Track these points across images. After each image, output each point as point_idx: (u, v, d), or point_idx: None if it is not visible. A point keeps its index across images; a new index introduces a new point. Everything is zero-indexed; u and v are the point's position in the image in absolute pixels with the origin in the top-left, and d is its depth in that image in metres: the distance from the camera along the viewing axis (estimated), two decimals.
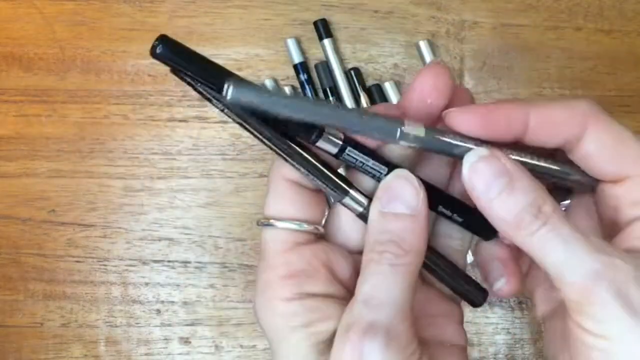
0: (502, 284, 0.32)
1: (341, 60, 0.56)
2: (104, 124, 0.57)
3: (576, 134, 0.28)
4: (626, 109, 0.57)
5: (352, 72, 0.56)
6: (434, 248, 0.31)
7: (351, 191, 0.29)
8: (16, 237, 0.57)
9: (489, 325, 0.56)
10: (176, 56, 0.26)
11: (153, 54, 0.25)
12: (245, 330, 0.56)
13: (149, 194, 0.57)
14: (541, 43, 0.57)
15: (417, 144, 0.28)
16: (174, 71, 0.27)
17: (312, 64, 0.56)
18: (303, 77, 0.56)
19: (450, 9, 0.57)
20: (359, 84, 0.56)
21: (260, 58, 0.57)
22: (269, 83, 0.56)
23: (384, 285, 0.27)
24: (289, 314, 0.28)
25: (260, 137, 0.28)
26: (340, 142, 0.28)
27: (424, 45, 0.56)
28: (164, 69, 0.62)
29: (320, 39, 0.56)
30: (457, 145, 0.28)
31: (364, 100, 0.56)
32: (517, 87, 0.57)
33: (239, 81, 0.26)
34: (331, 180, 0.29)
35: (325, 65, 0.56)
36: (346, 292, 0.30)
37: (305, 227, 0.29)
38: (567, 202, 0.33)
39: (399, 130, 0.28)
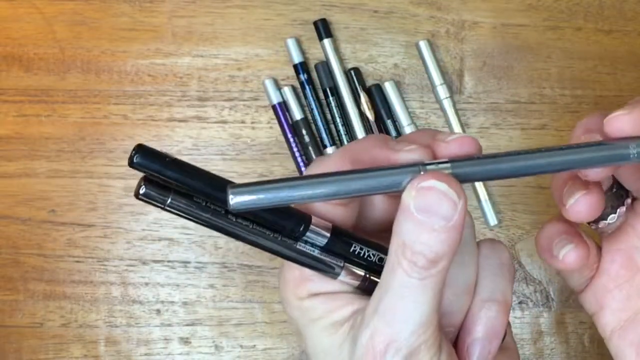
0: (570, 248, 0.31)
1: (341, 60, 0.56)
2: (104, 124, 0.57)
3: None
4: None
5: (352, 72, 0.56)
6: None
7: (343, 271, 0.29)
8: (16, 237, 0.57)
9: None
10: (155, 163, 0.26)
11: (130, 164, 0.25)
12: (245, 330, 0.57)
13: None
14: (541, 43, 0.57)
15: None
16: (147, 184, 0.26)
17: (312, 64, 0.56)
18: (303, 77, 0.56)
19: (450, 9, 0.57)
20: (359, 84, 0.56)
21: (260, 58, 0.57)
22: (268, 83, 0.56)
23: (411, 299, 0.27)
24: (303, 309, 0.29)
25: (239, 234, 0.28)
26: (329, 234, 0.28)
27: (424, 45, 0.56)
28: (164, 69, 0.62)
29: (320, 39, 0.56)
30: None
31: (363, 100, 0.56)
32: (517, 87, 0.57)
33: (238, 186, 0.26)
34: (320, 261, 0.29)
35: (325, 65, 0.56)
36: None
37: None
38: (629, 201, 0.33)
39: (422, 173, 0.27)
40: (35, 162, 0.57)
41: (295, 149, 0.56)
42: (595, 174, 0.28)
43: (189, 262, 0.57)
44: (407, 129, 0.56)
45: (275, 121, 0.56)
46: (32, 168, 0.57)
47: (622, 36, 0.57)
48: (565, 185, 0.30)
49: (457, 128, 0.55)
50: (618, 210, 0.32)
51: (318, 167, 0.29)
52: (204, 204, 0.27)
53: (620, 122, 0.27)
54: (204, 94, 0.57)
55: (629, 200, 0.32)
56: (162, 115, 0.57)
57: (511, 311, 0.56)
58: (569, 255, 0.31)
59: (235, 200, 0.25)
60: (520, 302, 0.56)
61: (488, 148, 0.56)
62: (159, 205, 0.26)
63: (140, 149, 0.25)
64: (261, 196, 0.26)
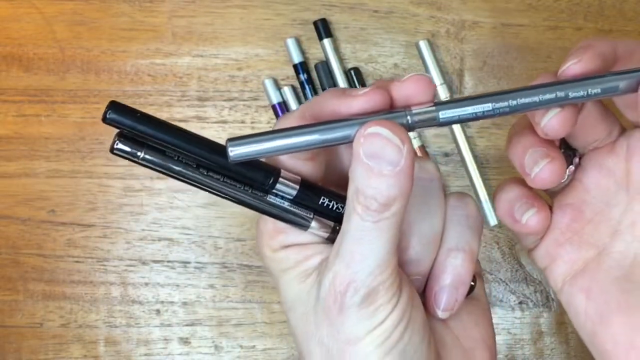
0: (533, 213, 0.32)
1: (341, 60, 0.56)
2: (104, 124, 0.57)
3: None
4: None
5: (352, 72, 0.56)
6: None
7: (312, 222, 0.31)
8: (16, 237, 0.57)
9: None
10: (128, 119, 0.27)
11: (104, 119, 0.27)
12: (245, 331, 0.56)
13: (148, 194, 0.57)
14: (541, 43, 0.57)
15: (433, 125, 0.29)
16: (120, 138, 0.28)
17: (312, 64, 0.56)
18: (303, 77, 0.56)
19: (450, 9, 0.57)
20: (359, 83, 0.56)
21: (260, 58, 0.57)
22: (268, 83, 0.56)
23: (367, 241, 0.28)
24: (277, 260, 0.31)
25: (209, 187, 0.29)
26: (298, 186, 0.30)
27: (424, 45, 0.56)
28: (164, 69, 0.62)
29: (320, 39, 0.56)
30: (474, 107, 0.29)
31: None
32: (517, 87, 0.56)
33: (235, 139, 0.27)
34: (292, 213, 0.30)
35: (325, 65, 0.56)
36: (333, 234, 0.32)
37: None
38: (577, 160, 0.33)
39: (408, 118, 0.28)
40: (35, 162, 0.57)
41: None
42: (555, 131, 0.29)
43: (188, 262, 0.57)
44: None
45: (275, 121, 0.56)
46: (32, 168, 0.57)
47: (622, 36, 0.57)
48: (525, 152, 0.31)
49: (457, 127, 0.56)
50: (567, 169, 0.33)
51: (283, 124, 0.30)
52: (176, 158, 0.28)
53: (573, 71, 0.29)
54: (204, 94, 0.57)
55: (577, 160, 0.33)
56: (162, 115, 0.57)
57: (511, 311, 0.56)
58: (532, 219, 0.32)
59: (234, 152, 0.27)
60: (520, 302, 0.56)
61: (487, 148, 0.56)
62: (133, 159, 0.28)
63: (113, 105, 0.27)
64: (257, 147, 0.27)
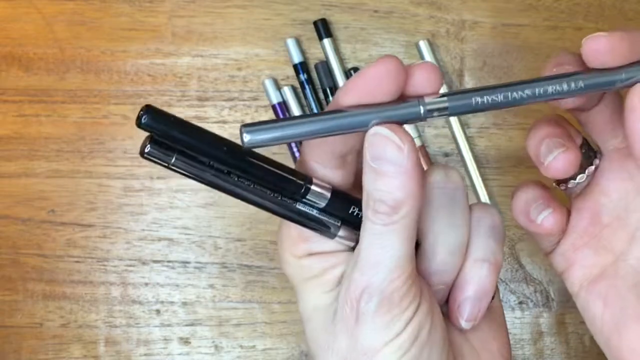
0: (548, 213, 0.32)
1: (341, 60, 0.56)
2: (104, 124, 0.57)
3: None
4: None
5: (352, 72, 0.56)
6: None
7: (340, 231, 0.30)
8: (15, 237, 0.57)
9: None
10: (162, 124, 0.27)
11: (139, 124, 0.26)
12: (245, 331, 0.56)
13: (148, 194, 0.57)
14: (541, 43, 0.57)
15: (444, 115, 0.29)
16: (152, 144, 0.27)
17: (312, 64, 0.56)
18: (303, 77, 0.56)
19: (450, 9, 0.57)
20: None
21: (260, 58, 0.57)
22: (268, 83, 0.56)
23: (379, 245, 0.28)
24: (300, 268, 0.31)
25: (244, 194, 0.29)
26: (329, 194, 0.29)
27: (424, 45, 0.56)
28: (164, 69, 0.62)
29: (320, 39, 0.56)
30: (481, 98, 0.28)
31: None
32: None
33: (250, 125, 0.27)
34: (320, 222, 0.30)
35: (325, 65, 0.56)
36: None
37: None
38: (597, 161, 0.33)
39: (421, 108, 0.28)
40: (35, 162, 0.57)
41: (295, 149, 0.56)
42: (572, 102, 0.29)
43: (188, 262, 0.57)
44: (407, 129, 0.56)
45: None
46: (32, 168, 0.57)
47: None
48: (541, 142, 0.31)
49: (457, 128, 0.55)
50: (587, 170, 0.33)
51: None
52: (207, 163, 0.28)
53: (596, 43, 0.28)
54: (204, 94, 0.57)
55: (597, 161, 0.33)
56: None
57: (511, 311, 0.56)
58: (547, 220, 0.32)
59: (248, 138, 0.27)
60: (520, 303, 0.56)
61: (487, 148, 0.56)
62: (164, 164, 0.27)
63: (149, 110, 0.26)
64: (271, 134, 0.27)
